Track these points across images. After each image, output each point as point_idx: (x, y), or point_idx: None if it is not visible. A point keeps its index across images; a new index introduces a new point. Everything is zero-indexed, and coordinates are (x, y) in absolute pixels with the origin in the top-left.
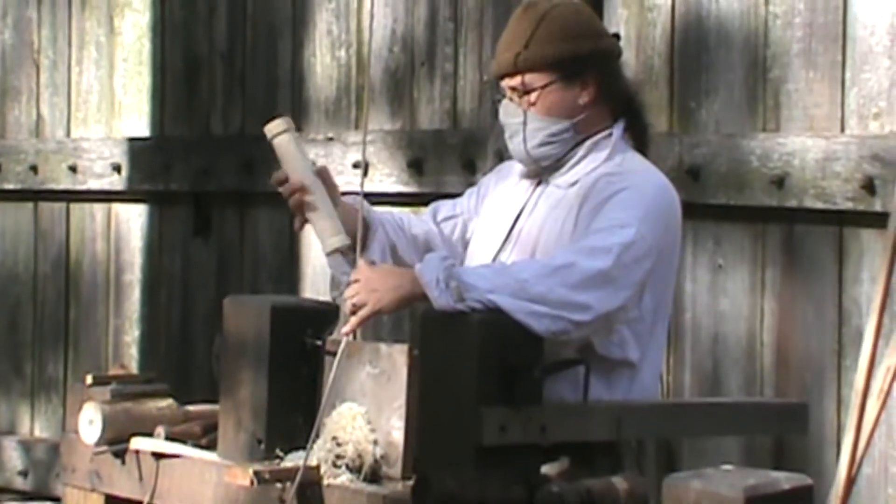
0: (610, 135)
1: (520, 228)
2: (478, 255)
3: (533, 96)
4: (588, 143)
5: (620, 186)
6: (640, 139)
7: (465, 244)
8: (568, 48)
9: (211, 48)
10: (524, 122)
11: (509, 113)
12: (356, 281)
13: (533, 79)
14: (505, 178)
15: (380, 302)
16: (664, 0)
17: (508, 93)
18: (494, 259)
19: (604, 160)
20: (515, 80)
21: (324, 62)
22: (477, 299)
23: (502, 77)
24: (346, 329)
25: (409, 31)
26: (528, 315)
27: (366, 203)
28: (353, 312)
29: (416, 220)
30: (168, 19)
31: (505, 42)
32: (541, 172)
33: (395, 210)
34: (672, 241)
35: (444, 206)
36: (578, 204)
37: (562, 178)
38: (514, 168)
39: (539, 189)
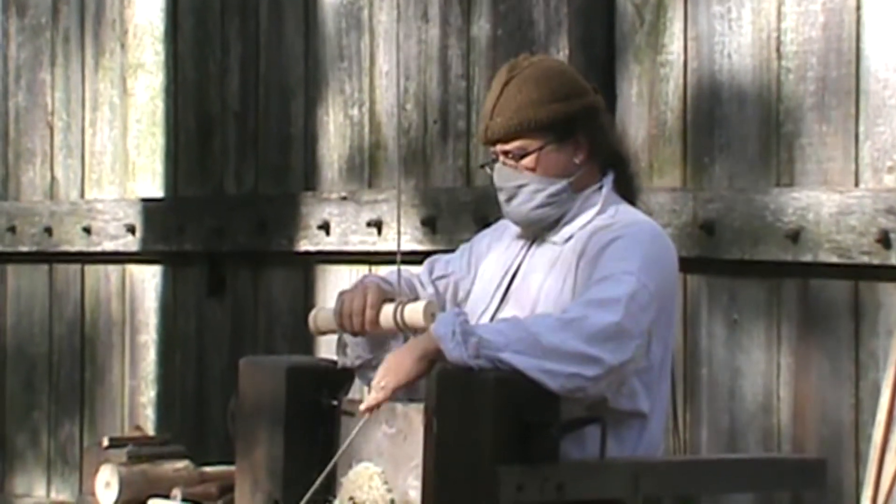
0: (600, 188)
1: (516, 287)
2: (475, 316)
3: (529, 160)
4: (580, 198)
5: (615, 236)
6: (628, 188)
7: (456, 304)
8: (559, 109)
9: (224, 108)
10: (523, 185)
11: (505, 177)
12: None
13: (528, 143)
14: (500, 238)
15: (400, 368)
16: (677, 55)
17: (501, 157)
18: (492, 319)
19: (596, 213)
20: (510, 146)
21: (336, 121)
22: (491, 357)
23: (494, 143)
24: (364, 406)
25: (421, 89)
26: (543, 373)
27: (392, 281)
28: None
29: (421, 284)
30: (181, 80)
31: (493, 107)
32: (537, 233)
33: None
34: (671, 288)
35: (439, 264)
36: (576, 259)
37: (556, 235)
38: (509, 227)
39: (533, 247)
